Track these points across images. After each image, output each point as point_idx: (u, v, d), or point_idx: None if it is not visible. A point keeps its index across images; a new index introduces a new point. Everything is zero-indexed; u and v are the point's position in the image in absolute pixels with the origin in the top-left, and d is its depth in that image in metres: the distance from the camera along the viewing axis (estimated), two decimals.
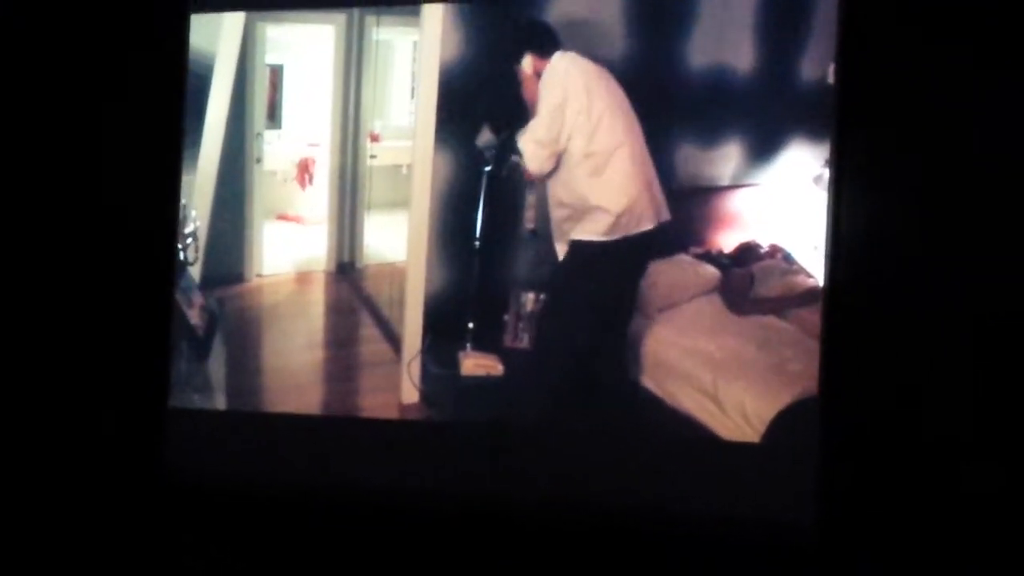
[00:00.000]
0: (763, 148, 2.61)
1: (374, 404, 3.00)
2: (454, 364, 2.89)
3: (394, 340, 3.01)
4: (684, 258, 2.71)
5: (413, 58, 3.06)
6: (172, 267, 3.21)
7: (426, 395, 2.93)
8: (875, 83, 2.51)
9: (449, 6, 2.87)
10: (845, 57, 2.51)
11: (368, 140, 3.11)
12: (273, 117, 3.27)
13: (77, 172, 3.31)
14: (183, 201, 3.22)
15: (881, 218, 2.52)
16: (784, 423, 2.50)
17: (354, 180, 3.15)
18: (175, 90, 3.21)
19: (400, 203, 3.04)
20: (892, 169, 2.52)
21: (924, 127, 2.48)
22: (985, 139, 2.44)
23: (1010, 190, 2.42)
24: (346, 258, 3.18)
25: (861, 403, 2.48)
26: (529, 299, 2.85)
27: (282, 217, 3.30)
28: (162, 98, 3.21)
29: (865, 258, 2.52)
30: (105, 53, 3.27)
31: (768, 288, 2.61)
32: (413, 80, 3.06)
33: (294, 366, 3.12)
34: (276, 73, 3.26)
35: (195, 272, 3.22)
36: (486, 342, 2.88)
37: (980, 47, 2.44)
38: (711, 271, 2.69)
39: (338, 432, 3.02)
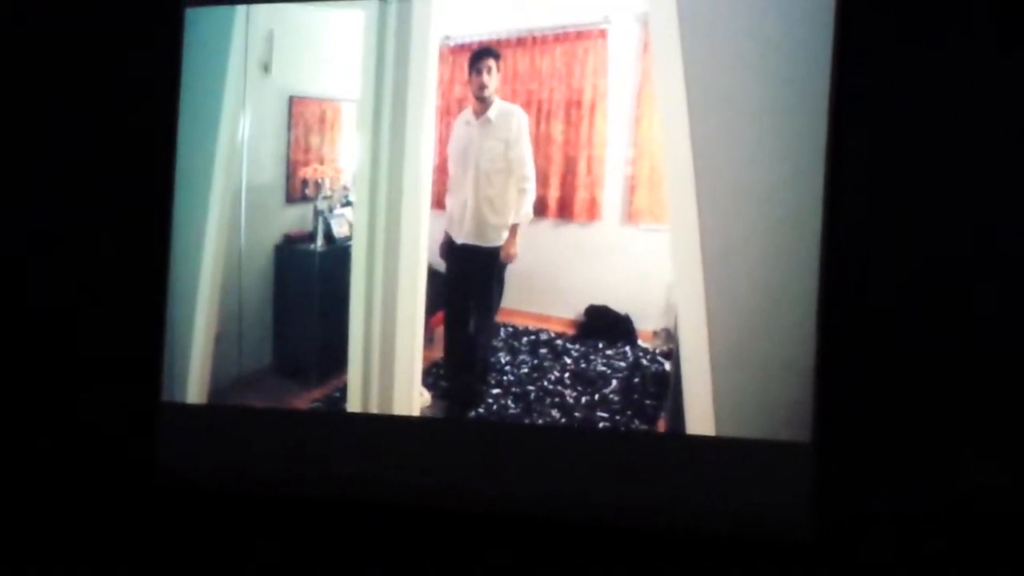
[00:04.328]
0: None
1: None
2: None
3: None
4: None
5: None
6: (166, 257, 3.20)
7: None
8: (872, 83, 2.57)
9: None
10: (842, 53, 2.55)
11: None
12: None
13: (74, 162, 3.30)
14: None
15: (878, 215, 2.57)
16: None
17: None
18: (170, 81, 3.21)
19: None
20: (888, 170, 2.57)
21: (921, 127, 2.54)
22: (984, 136, 2.50)
23: (1008, 188, 2.48)
24: None
25: (857, 401, 2.53)
26: None
27: None
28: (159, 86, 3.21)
29: (862, 255, 2.57)
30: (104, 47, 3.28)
31: None
32: None
33: None
34: None
35: None
36: None
37: (977, 41, 2.51)
38: None
39: (336, 427, 3.03)
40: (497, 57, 3.03)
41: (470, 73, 3.05)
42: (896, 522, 2.50)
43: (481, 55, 3.04)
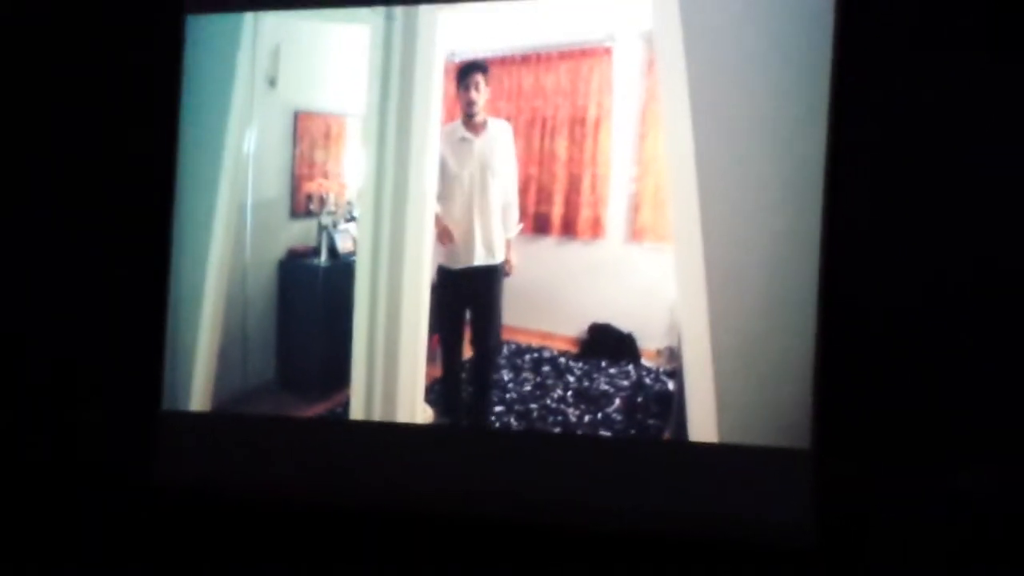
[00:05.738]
0: None
1: None
2: None
3: None
4: None
5: None
6: (166, 270, 3.20)
7: None
8: (873, 99, 2.57)
9: None
10: (842, 71, 2.54)
11: None
12: None
13: (78, 171, 3.30)
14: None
15: (878, 233, 2.57)
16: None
17: None
18: (172, 90, 3.21)
19: None
20: (888, 187, 2.57)
21: (921, 144, 2.54)
22: (982, 145, 2.50)
23: (1007, 194, 2.49)
24: None
25: (857, 400, 2.54)
26: None
27: None
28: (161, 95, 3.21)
29: (861, 255, 2.57)
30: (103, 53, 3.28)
31: None
32: None
33: None
34: None
35: None
36: None
37: (977, 50, 2.51)
38: None
39: (336, 435, 3.02)
40: (485, 71, 3.01)
41: (458, 89, 3.02)
42: (896, 527, 2.50)
43: (469, 70, 3.01)
